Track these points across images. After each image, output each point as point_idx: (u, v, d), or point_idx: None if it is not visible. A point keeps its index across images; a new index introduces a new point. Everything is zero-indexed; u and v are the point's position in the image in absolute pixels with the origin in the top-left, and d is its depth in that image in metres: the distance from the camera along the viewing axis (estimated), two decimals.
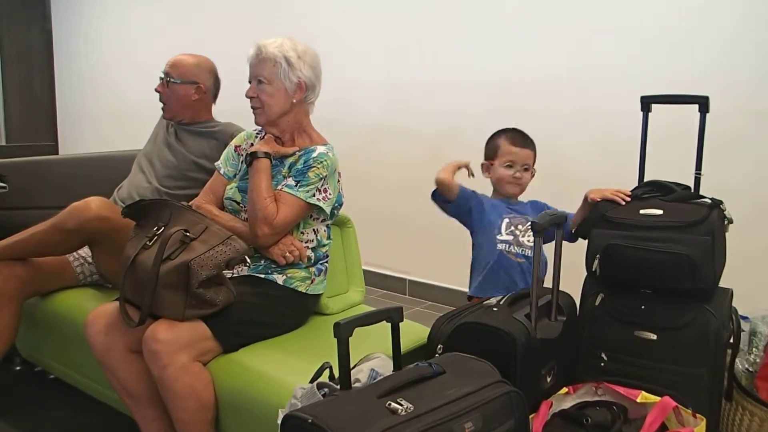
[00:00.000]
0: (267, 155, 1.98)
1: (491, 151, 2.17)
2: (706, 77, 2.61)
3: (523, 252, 2.08)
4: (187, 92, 2.48)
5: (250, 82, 2.03)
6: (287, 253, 1.95)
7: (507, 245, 2.08)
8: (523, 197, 2.20)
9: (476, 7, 3.30)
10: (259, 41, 2.01)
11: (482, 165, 2.18)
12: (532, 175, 2.17)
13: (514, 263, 2.07)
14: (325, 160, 1.98)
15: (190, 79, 2.48)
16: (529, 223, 2.11)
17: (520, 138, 2.16)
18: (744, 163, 2.60)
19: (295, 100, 2.02)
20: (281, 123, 2.05)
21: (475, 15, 3.31)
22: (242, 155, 2.12)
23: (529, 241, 2.08)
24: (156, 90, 2.51)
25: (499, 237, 2.09)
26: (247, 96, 2.04)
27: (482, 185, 2.18)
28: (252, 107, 2.04)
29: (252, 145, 2.10)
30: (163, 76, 2.49)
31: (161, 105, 2.53)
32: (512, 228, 2.10)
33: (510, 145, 2.13)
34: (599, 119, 2.94)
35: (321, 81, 2.07)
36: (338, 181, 2.06)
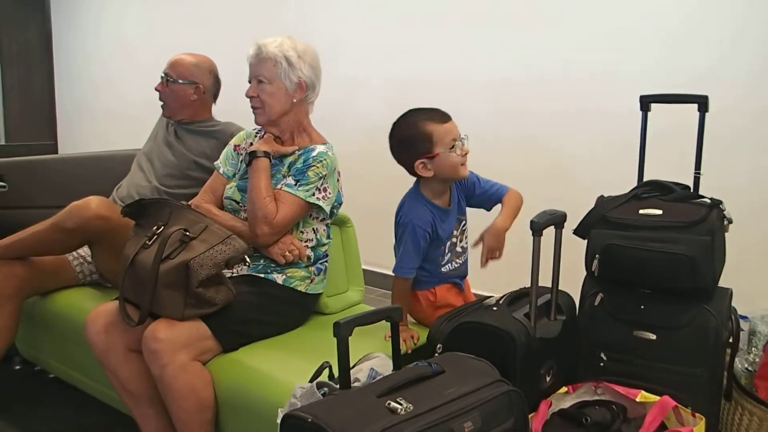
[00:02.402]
0: (266, 154, 1.98)
1: (423, 142, 1.86)
2: (707, 76, 2.61)
3: (458, 264, 2.03)
4: (185, 92, 2.48)
5: (250, 81, 2.03)
6: (287, 253, 1.95)
7: (449, 265, 2.02)
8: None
9: (476, 6, 3.30)
10: (258, 40, 2.01)
11: (419, 164, 1.89)
12: None
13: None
14: (325, 159, 1.98)
15: (189, 79, 2.48)
16: (464, 224, 2.04)
17: (439, 112, 1.90)
18: (743, 162, 2.60)
19: (295, 100, 2.02)
20: (281, 123, 2.05)
21: (475, 14, 3.31)
22: (242, 154, 2.12)
23: (462, 247, 2.04)
24: (156, 89, 2.51)
25: (441, 262, 1.99)
26: (247, 96, 2.03)
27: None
28: (252, 107, 2.04)
29: (251, 144, 2.10)
30: (163, 75, 2.50)
31: (161, 103, 2.54)
32: (451, 249, 2.01)
33: (441, 125, 1.87)
34: (599, 118, 2.94)
35: (321, 80, 2.07)
36: (338, 180, 2.06)
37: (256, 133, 2.15)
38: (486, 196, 2.05)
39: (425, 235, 1.91)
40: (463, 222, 2.05)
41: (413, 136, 1.88)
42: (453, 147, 1.87)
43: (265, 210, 1.91)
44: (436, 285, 2.00)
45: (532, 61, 3.13)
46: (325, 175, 1.98)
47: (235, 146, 2.16)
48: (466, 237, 2.07)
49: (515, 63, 3.19)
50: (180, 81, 2.47)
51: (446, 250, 2.00)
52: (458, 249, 2.04)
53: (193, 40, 4.07)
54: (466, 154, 1.90)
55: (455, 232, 2.01)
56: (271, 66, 1.98)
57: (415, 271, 1.94)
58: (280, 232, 1.96)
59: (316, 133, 2.10)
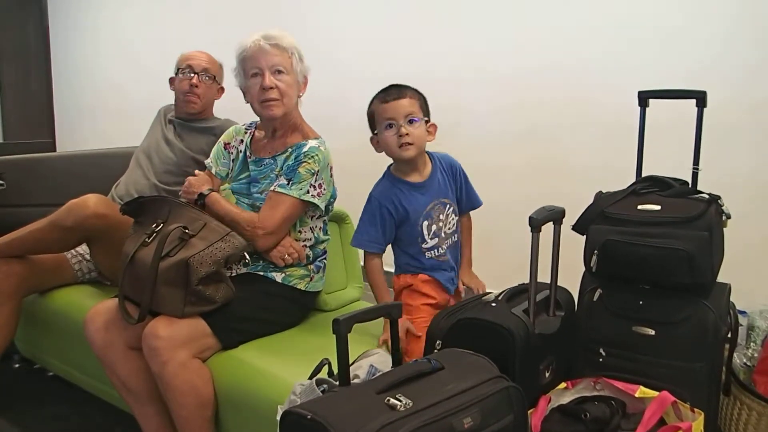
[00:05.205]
0: (210, 191, 1.98)
1: (371, 120, 1.92)
2: (705, 71, 2.61)
3: (445, 247, 1.94)
4: (214, 90, 2.54)
5: (255, 75, 1.94)
6: (286, 256, 1.95)
7: (435, 250, 1.93)
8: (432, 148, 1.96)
9: (474, 1, 3.29)
10: (266, 31, 1.96)
11: (373, 140, 1.94)
12: (430, 130, 1.91)
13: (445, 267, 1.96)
14: (316, 155, 1.97)
15: (218, 80, 2.54)
16: (449, 207, 1.95)
17: (392, 90, 1.87)
18: (742, 158, 2.60)
19: (301, 94, 2.03)
20: (289, 117, 2.02)
21: (472, 8, 3.30)
22: (232, 153, 2.11)
23: (449, 228, 1.96)
24: (192, 84, 2.47)
25: (424, 246, 1.91)
26: (265, 87, 1.92)
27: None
28: (269, 99, 1.93)
29: (242, 141, 2.10)
30: (201, 72, 2.48)
31: (187, 98, 2.49)
32: (434, 226, 1.92)
33: (381, 103, 1.86)
34: (598, 114, 2.94)
35: None
36: (330, 175, 2.05)
37: (246, 129, 2.14)
38: (462, 201, 2.03)
39: (381, 208, 1.89)
40: (449, 206, 1.98)
41: (368, 114, 1.94)
42: (390, 126, 1.86)
43: (245, 221, 1.90)
44: (418, 273, 1.94)
45: (530, 57, 3.13)
46: (318, 170, 1.96)
47: (225, 144, 2.14)
48: (452, 223, 1.99)
49: (513, 58, 3.18)
50: (216, 80, 2.52)
51: (425, 231, 1.91)
52: (442, 234, 1.96)
53: (190, 37, 4.06)
54: (403, 135, 1.84)
55: (440, 216, 1.93)
56: (287, 56, 1.97)
57: (376, 246, 1.90)
58: (278, 234, 1.94)
59: (308, 128, 2.09)
